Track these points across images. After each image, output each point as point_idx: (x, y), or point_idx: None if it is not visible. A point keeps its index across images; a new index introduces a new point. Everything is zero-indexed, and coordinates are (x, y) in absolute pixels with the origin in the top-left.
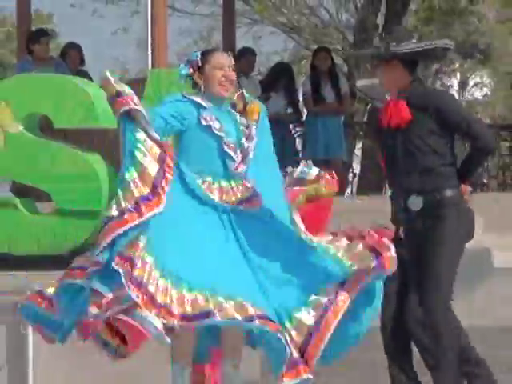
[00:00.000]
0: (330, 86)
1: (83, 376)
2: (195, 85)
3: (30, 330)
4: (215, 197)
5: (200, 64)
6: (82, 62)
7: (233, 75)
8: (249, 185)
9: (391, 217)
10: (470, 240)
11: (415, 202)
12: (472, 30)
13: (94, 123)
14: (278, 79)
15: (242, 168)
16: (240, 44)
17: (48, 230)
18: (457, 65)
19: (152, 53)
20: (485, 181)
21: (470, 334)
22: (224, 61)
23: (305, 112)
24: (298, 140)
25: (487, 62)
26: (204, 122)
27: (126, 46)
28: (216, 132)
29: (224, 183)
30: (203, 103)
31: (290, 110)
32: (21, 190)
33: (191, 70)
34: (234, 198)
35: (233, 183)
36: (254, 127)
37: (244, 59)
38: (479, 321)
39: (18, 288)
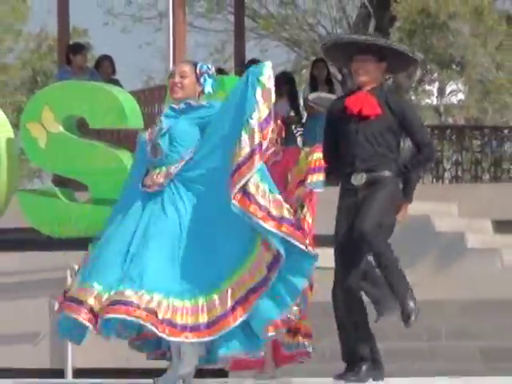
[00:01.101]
0: (327, 91)
1: (114, 345)
2: None
3: None
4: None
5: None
6: (114, 71)
7: (176, 81)
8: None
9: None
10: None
11: (357, 178)
12: (449, 44)
13: (124, 124)
14: (282, 86)
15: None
16: (249, 56)
17: (84, 216)
18: (436, 74)
19: (173, 63)
20: (459, 174)
21: (448, 304)
22: (174, 69)
23: (305, 114)
24: (298, 139)
25: (462, 71)
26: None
27: (150, 58)
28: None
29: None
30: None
31: (292, 113)
32: (61, 182)
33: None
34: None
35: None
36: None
37: None
38: (455, 294)
39: (58, 265)
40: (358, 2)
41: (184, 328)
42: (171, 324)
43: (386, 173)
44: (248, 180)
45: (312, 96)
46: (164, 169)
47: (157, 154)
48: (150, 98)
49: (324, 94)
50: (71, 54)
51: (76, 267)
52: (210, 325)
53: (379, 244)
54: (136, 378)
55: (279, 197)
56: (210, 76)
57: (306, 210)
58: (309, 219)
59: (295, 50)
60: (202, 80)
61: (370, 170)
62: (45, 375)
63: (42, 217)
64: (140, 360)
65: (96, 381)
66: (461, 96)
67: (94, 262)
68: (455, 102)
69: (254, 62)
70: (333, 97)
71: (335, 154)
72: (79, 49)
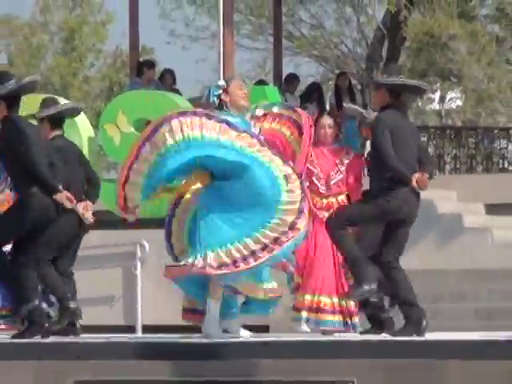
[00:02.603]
0: (349, 99)
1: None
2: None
3: (139, 271)
4: None
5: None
6: (174, 82)
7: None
8: None
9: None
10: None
11: None
12: (449, 60)
13: None
14: (312, 94)
15: None
16: (285, 70)
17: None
18: (438, 84)
19: (223, 75)
20: (457, 166)
21: (449, 273)
22: (241, 81)
23: None
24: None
25: (460, 82)
26: None
27: (205, 71)
28: None
29: None
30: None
31: None
32: None
33: (220, 91)
34: None
35: None
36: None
37: (291, 82)
38: (454, 264)
39: (129, 241)
40: (375, 25)
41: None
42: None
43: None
44: None
45: (347, 105)
46: None
47: None
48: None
49: (354, 106)
50: (145, 68)
51: (145, 243)
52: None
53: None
54: (198, 332)
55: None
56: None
57: None
58: None
59: (323, 65)
60: None
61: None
62: (119, 331)
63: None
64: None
65: (162, 335)
66: (458, 102)
67: None
68: (454, 107)
69: (292, 76)
70: (361, 109)
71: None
72: (152, 65)
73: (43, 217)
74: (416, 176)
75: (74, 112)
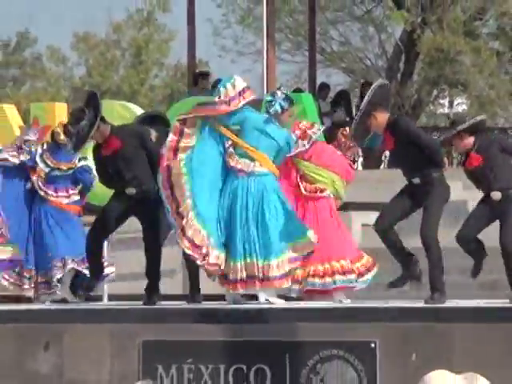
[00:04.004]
0: None
1: None
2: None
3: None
4: None
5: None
6: None
7: None
8: None
9: None
10: None
11: None
12: (456, 71)
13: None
14: (341, 101)
15: None
16: (319, 80)
17: None
18: (447, 92)
19: (266, 84)
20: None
21: (455, 251)
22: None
23: None
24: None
25: (465, 90)
26: None
27: (251, 81)
28: None
29: None
30: None
31: (347, 119)
32: None
33: (280, 110)
34: None
35: None
36: None
37: (323, 90)
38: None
39: None
40: (393, 42)
41: None
42: None
43: None
44: None
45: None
46: None
47: None
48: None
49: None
50: (201, 78)
51: None
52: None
53: None
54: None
55: None
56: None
57: None
58: None
59: (350, 76)
60: None
61: None
62: (179, 299)
63: None
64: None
65: (214, 302)
66: (464, 107)
67: None
68: (460, 111)
69: (324, 85)
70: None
71: None
72: (208, 75)
73: None
74: None
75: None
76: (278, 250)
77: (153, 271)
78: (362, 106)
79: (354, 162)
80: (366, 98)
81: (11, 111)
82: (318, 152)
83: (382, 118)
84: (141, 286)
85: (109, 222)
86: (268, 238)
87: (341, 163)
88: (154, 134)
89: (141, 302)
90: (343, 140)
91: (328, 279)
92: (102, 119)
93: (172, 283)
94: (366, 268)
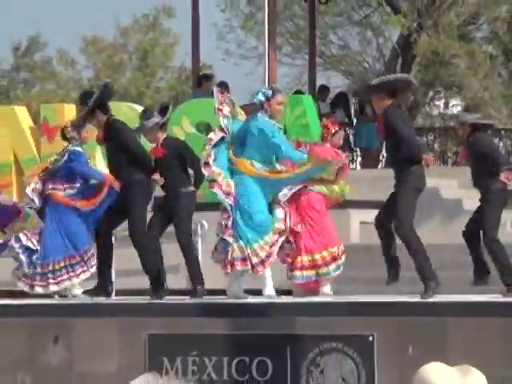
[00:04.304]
0: (370, 106)
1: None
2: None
3: (199, 245)
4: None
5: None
6: (228, 92)
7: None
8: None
9: None
10: None
11: None
12: (451, 74)
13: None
14: (340, 101)
15: None
16: (318, 82)
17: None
18: (442, 93)
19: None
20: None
21: (450, 246)
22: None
23: (355, 120)
24: (351, 137)
25: (460, 92)
26: None
27: (253, 83)
28: None
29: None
30: None
31: (346, 120)
32: None
33: (264, 99)
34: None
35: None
36: None
37: (323, 92)
38: (455, 240)
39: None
40: (391, 45)
41: None
42: None
43: None
44: None
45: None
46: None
47: None
48: (252, 109)
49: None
50: (204, 80)
51: (204, 222)
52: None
53: None
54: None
55: None
56: None
57: None
58: None
59: (348, 78)
60: None
61: None
62: (182, 294)
63: None
64: (251, 283)
65: (218, 297)
66: (459, 108)
67: None
68: (455, 112)
69: (324, 87)
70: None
71: None
72: (211, 77)
73: None
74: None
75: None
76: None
77: (149, 269)
78: (384, 79)
79: (353, 161)
80: (391, 77)
81: (22, 112)
82: (311, 149)
83: (384, 102)
84: (146, 281)
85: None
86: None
87: (329, 151)
88: None
89: (147, 297)
90: (329, 128)
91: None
92: (103, 109)
93: (176, 278)
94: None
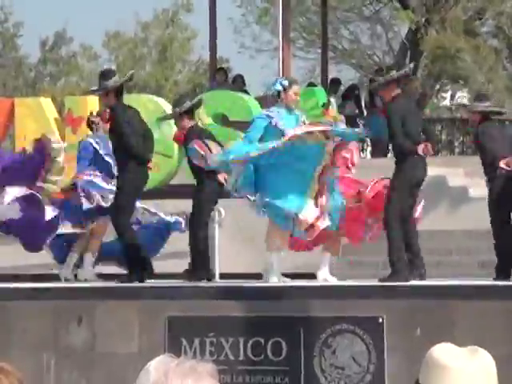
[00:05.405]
0: (379, 98)
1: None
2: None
3: (216, 231)
4: None
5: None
6: (244, 84)
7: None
8: None
9: None
10: None
11: None
12: (457, 67)
13: (249, 118)
14: (351, 93)
15: None
16: (330, 75)
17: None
18: (449, 86)
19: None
20: (464, 149)
21: (457, 232)
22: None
23: (365, 112)
24: (361, 127)
25: (466, 84)
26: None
27: (268, 76)
28: (279, 127)
29: None
30: (272, 114)
31: (357, 111)
32: None
33: (281, 88)
34: None
35: None
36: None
37: (334, 85)
38: (462, 225)
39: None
40: (400, 39)
41: None
42: None
43: None
44: None
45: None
46: None
47: None
48: (268, 101)
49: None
50: (216, 73)
51: (221, 209)
52: None
53: None
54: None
55: None
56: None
57: None
58: None
59: (359, 71)
60: None
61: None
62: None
63: None
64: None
65: (235, 281)
66: (465, 100)
67: None
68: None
69: (336, 80)
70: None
71: None
72: (221, 69)
73: None
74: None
75: (200, 104)
76: None
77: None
78: (403, 73)
79: (363, 150)
80: (405, 70)
81: (48, 104)
82: None
83: (393, 91)
84: (161, 265)
85: None
86: None
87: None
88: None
89: (168, 281)
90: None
91: None
92: (117, 92)
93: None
94: None
